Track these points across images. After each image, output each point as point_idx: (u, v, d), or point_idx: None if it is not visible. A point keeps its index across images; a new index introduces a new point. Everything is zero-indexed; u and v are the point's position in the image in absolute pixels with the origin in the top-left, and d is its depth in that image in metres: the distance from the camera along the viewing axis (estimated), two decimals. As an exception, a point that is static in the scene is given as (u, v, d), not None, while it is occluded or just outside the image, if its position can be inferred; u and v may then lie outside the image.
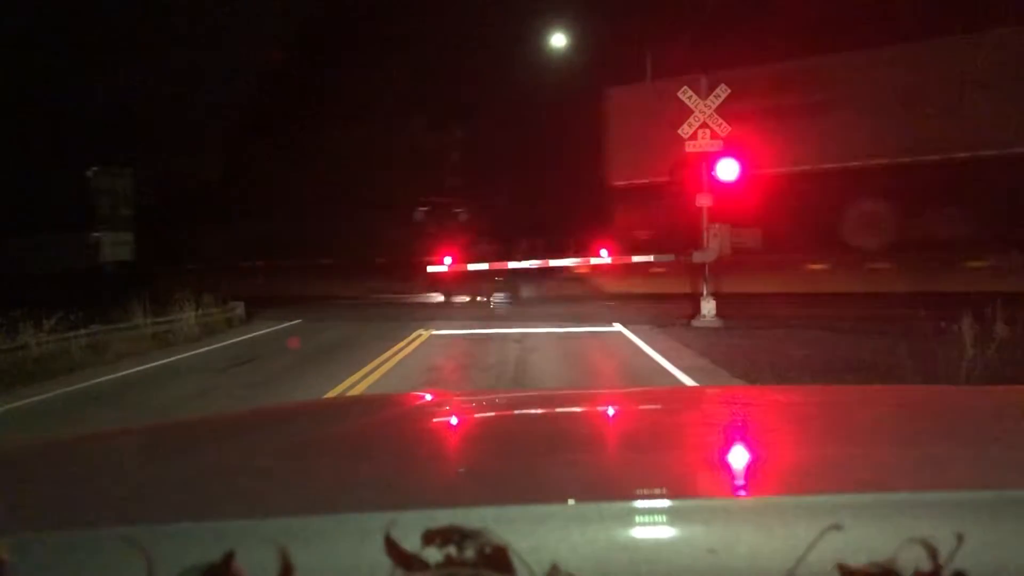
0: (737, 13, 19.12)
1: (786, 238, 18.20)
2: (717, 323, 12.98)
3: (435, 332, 13.17)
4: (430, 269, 18.83)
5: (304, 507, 0.76)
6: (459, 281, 21.00)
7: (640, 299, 17.67)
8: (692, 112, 13.34)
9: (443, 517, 0.63)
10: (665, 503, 0.72)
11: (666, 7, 21.25)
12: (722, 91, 13.26)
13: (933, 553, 0.59)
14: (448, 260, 17.99)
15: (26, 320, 10.66)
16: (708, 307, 13.24)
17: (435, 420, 1.57)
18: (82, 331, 11.33)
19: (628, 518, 0.68)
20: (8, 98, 24.78)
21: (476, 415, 1.62)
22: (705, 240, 13.62)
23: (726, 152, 13.20)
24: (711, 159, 13.29)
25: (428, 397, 2.01)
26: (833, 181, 17.90)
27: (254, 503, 0.83)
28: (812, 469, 0.95)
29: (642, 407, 1.70)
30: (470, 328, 13.91)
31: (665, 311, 14.65)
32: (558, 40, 22.71)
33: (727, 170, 13.15)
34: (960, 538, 0.60)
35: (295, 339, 13.01)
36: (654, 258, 16.15)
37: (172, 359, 11.31)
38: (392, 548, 0.60)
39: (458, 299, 21.28)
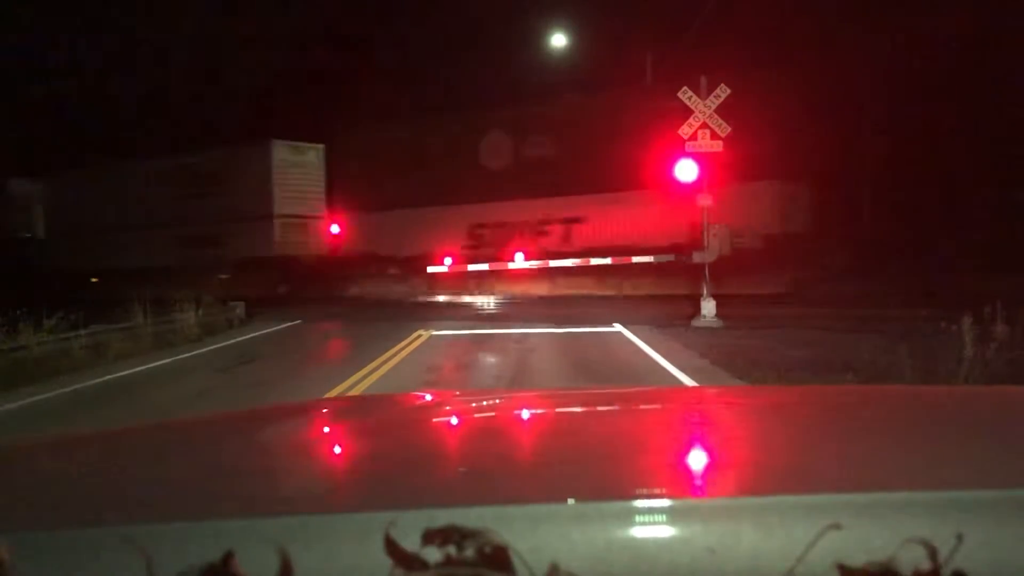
0: (737, 13, 19.19)
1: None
2: (717, 323, 12.98)
3: (435, 332, 13.17)
4: (430, 269, 18.87)
5: (304, 507, 0.76)
6: (457, 281, 20.98)
7: (640, 299, 17.69)
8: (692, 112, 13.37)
9: (443, 517, 0.62)
10: (665, 503, 0.72)
11: (666, 10, 21.39)
12: (722, 91, 13.25)
13: (932, 553, 0.59)
14: (448, 260, 18.00)
15: (26, 320, 10.67)
16: (708, 307, 13.24)
17: (435, 420, 1.57)
18: (82, 331, 11.33)
19: (628, 518, 0.68)
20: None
21: (476, 415, 1.62)
22: (705, 240, 13.62)
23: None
24: (708, 160, 13.31)
25: (428, 397, 2.01)
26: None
27: (254, 503, 0.83)
28: (812, 469, 0.95)
29: (642, 407, 1.70)
30: (469, 328, 13.91)
31: (665, 311, 14.65)
32: (558, 40, 22.85)
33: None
34: (960, 538, 0.60)
35: (295, 339, 13.03)
36: (654, 258, 16.21)
37: (172, 359, 11.31)
38: (392, 548, 0.60)
39: (441, 298, 21.22)
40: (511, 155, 22.13)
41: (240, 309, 16.57)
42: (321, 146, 23.99)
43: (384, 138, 24.60)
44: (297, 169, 23.55)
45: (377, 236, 23.86)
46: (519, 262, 19.88)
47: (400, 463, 1.07)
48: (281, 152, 23.14)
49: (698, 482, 0.91)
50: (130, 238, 25.46)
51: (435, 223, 22.49)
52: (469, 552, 0.59)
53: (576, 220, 21.63)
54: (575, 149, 21.06)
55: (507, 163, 21.86)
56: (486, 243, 22.20)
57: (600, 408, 1.68)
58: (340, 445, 1.29)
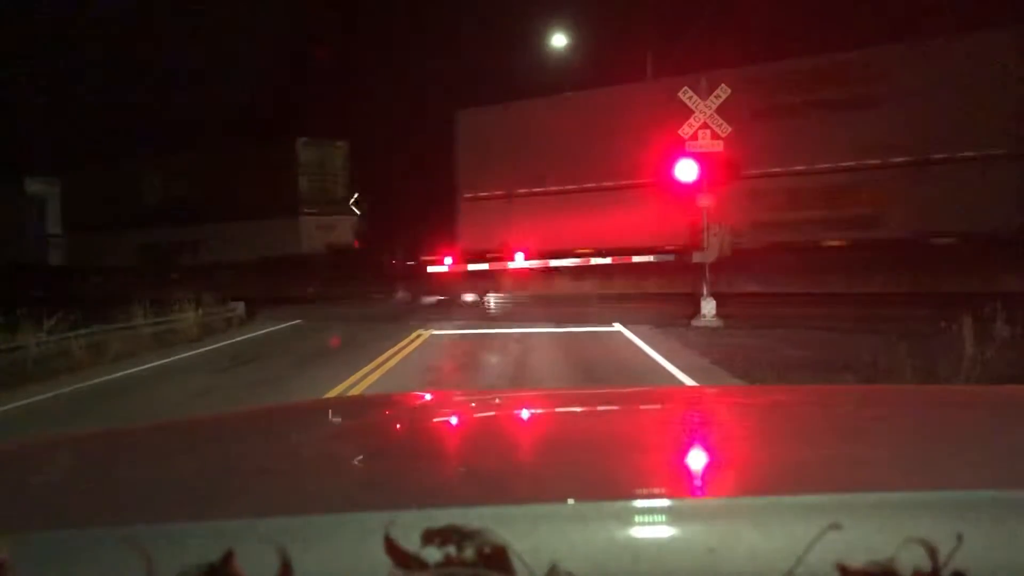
0: (740, 10, 19.21)
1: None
2: (717, 323, 12.98)
3: (434, 332, 13.17)
4: (430, 269, 18.89)
5: (304, 507, 0.76)
6: (458, 282, 21.05)
7: (640, 299, 17.69)
8: (692, 113, 13.38)
9: (442, 517, 0.62)
10: (665, 503, 0.72)
11: (666, 7, 21.47)
12: (723, 91, 13.25)
13: (933, 553, 0.59)
14: (448, 260, 18.01)
15: (26, 320, 10.67)
16: (708, 307, 13.24)
17: (435, 420, 1.57)
18: (82, 331, 11.33)
19: (628, 518, 0.68)
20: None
21: (476, 415, 1.62)
22: (705, 240, 13.62)
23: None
24: (709, 160, 13.30)
25: (428, 397, 2.01)
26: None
27: (254, 503, 0.83)
28: (812, 469, 0.95)
29: (642, 407, 1.70)
30: (469, 328, 13.91)
31: (665, 311, 14.65)
32: (558, 39, 22.96)
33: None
34: (960, 538, 0.60)
35: (295, 339, 13.02)
36: (654, 258, 16.22)
37: (172, 359, 11.31)
38: (391, 548, 0.60)
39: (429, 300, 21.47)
40: (163, 192, 30.05)
41: (240, 309, 16.58)
42: (56, 178, 32.00)
43: (94, 176, 32.16)
44: (48, 199, 32.54)
45: (89, 251, 31.75)
46: (519, 262, 19.94)
47: (400, 463, 1.07)
48: (34, 185, 31.48)
49: (698, 482, 0.91)
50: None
51: (116, 243, 30.58)
52: (469, 552, 0.59)
53: (198, 242, 28.50)
54: (204, 187, 28.28)
55: (160, 198, 29.97)
56: (151, 259, 29.53)
57: (600, 408, 1.67)
58: (340, 445, 1.29)
